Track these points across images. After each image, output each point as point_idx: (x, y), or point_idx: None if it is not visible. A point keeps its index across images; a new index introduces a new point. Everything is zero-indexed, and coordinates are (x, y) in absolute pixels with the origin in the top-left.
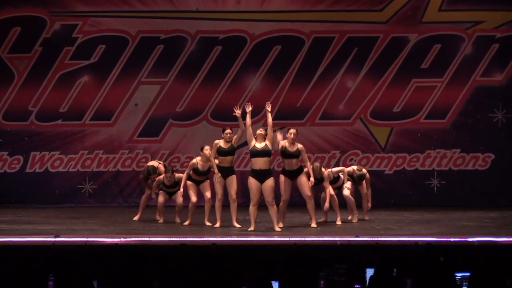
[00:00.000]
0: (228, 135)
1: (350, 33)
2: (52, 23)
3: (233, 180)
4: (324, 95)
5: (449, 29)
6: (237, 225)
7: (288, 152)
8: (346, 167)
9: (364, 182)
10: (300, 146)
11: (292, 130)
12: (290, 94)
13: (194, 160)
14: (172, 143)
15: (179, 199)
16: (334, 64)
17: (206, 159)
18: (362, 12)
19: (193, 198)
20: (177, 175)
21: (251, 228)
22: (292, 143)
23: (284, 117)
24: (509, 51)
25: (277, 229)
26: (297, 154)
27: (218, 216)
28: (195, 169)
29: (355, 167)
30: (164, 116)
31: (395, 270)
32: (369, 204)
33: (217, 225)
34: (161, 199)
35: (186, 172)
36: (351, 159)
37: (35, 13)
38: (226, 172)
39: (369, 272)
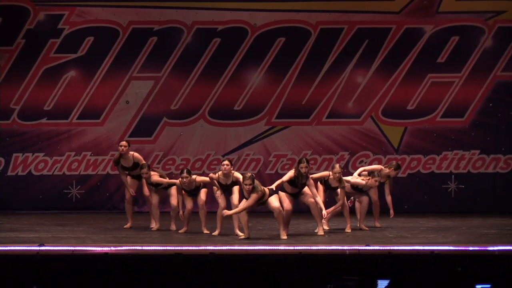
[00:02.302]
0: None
1: (360, 24)
2: (36, 13)
3: (235, 189)
4: (331, 91)
5: (467, 19)
6: (240, 233)
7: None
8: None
9: (376, 189)
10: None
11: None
12: (295, 91)
13: (177, 181)
14: (167, 144)
15: (173, 200)
16: (343, 58)
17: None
18: (373, 1)
19: (189, 205)
20: (153, 173)
21: (242, 236)
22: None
23: (288, 116)
24: None
25: (284, 237)
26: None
27: (218, 224)
28: (183, 188)
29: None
30: (158, 115)
31: (409, 281)
32: (377, 224)
33: (216, 232)
34: (154, 200)
35: (178, 192)
36: (361, 161)
37: (18, 2)
38: (226, 187)
39: (381, 284)
